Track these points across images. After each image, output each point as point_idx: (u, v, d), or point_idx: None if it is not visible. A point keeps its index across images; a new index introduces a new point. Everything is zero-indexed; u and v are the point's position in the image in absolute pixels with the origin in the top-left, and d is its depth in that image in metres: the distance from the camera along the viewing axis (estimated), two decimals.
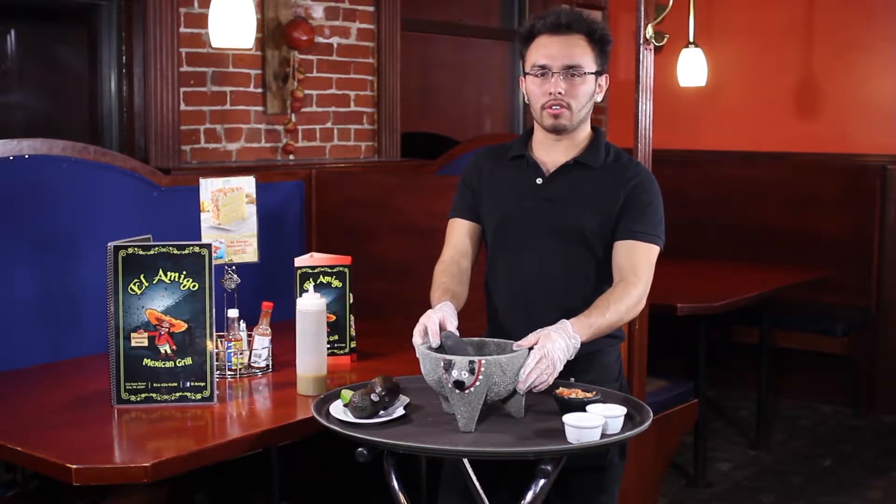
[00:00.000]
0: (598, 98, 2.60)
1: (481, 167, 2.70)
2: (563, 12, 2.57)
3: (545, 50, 2.53)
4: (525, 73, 2.59)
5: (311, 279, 3.07)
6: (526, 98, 2.60)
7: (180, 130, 3.95)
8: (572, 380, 2.47)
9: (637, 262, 2.51)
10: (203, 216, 3.09)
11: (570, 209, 2.54)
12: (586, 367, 2.53)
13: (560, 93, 2.50)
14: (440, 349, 2.30)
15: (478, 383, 2.17)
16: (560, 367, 2.30)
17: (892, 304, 5.40)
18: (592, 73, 2.54)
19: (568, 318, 2.39)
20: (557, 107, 2.52)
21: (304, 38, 4.25)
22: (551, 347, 2.28)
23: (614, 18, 6.28)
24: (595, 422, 2.14)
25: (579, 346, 2.35)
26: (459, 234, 2.69)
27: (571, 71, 2.51)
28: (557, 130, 2.56)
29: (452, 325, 2.37)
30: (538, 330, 2.33)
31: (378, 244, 3.77)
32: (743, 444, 5.00)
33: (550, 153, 2.60)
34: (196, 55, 4.00)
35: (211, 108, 4.07)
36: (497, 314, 2.65)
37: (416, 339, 2.34)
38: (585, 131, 2.61)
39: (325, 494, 3.91)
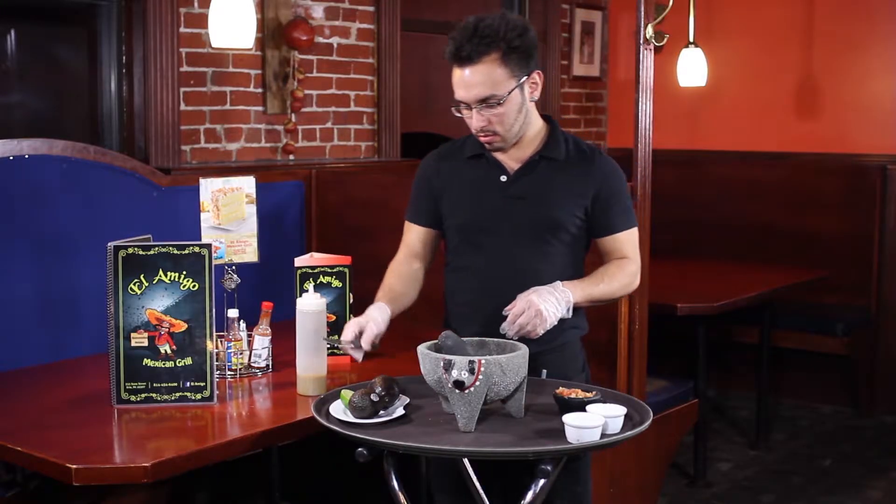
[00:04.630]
0: (535, 97, 2.55)
1: (439, 169, 2.68)
2: (466, 36, 2.43)
3: (458, 84, 2.48)
4: None
5: (311, 279, 3.07)
6: None
7: (180, 130, 3.95)
8: (544, 373, 2.53)
9: (626, 248, 2.61)
10: (203, 216, 3.09)
11: (541, 204, 2.55)
12: (555, 360, 2.57)
13: (483, 125, 2.49)
14: (440, 349, 2.30)
15: (478, 383, 2.17)
16: (551, 318, 2.38)
17: (892, 304, 5.39)
18: (512, 90, 2.46)
19: None
20: (487, 136, 2.52)
21: (304, 38, 4.25)
22: (537, 298, 2.37)
23: (614, 18, 6.28)
24: (595, 422, 2.14)
25: (572, 300, 2.43)
26: (414, 238, 2.73)
27: (487, 102, 2.46)
28: (497, 151, 2.58)
29: (371, 333, 2.48)
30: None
31: (378, 244, 3.76)
32: (743, 444, 5.00)
33: (511, 151, 2.59)
34: (196, 55, 4.00)
35: (211, 108, 4.07)
36: (461, 313, 2.64)
37: (348, 334, 2.49)
38: (536, 127, 2.59)
39: (325, 494, 3.91)
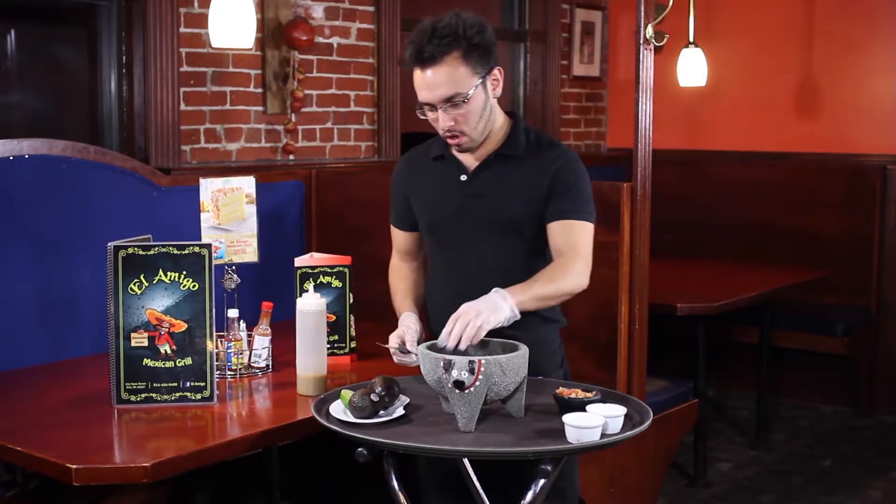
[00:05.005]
0: (497, 94, 2.56)
1: (407, 173, 2.74)
2: (425, 38, 2.45)
3: (420, 86, 2.49)
4: None
5: (311, 279, 3.08)
6: None
7: (180, 130, 3.95)
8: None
9: (574, 239, 2.54)
10: (203, 216, 3.09)
11: (496, 201, 2.56)
12: (530, 356, 2.55)
13: (450, 125, 2.50)
14: (441, 350, 2.31)
15: (478, 383, 2.17)
16: (489, 318, 2.34)
17: (892, 304, 5.39)
18: (476, 87, 2.47)
19: None
20: (454, 137, 2.53)
21: (304, 38, 4.25)
22: (468, 307, 2.35)
23: (614, 18, 6.28)
24: (595, 422, 2.14)
25: (508, 296, 2.39)
26: (400, 241, 2.81)
27: (452, 101, 2.47)
28: (464, 151, 2.58)
29: (411, 336, 2.52)
30: None
31: (378, 244, 3.76)
32: (743, 444, 5.00)
33: (473, 150, 2.60)
34: (196, 55, 4.00)
35: (211, 108, 4.07)
36: (437, 311, 2.68)
37: (393, 343, 2.52)
38: (499, 124, 2.60)
39: (325, 494, 3.91)
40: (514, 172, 2.57)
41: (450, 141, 2.54)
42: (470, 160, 2.61)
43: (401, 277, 2.80)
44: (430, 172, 2.67)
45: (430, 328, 2.70)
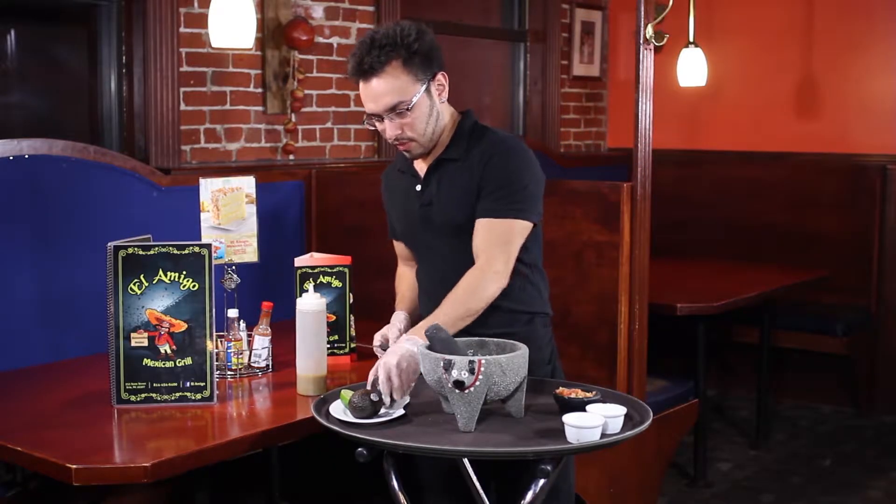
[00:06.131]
0: (444, 98, 2.55)
1: (386, 187, 2.80)
2: (364, 51, 2.46)
3: (365, 97, 2.50)
4: None
5: (311, 279, 3.08)
6: None
7: (180, 130, 3.95)
8: None
9: (490, 241, 2.48)
10: (203, 216, 3.09)
11: (441, 208, 2.57)
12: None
13: (398, 133, 2.50)
14: (430, 347, 2.30)
15: (477, 383, 2.17)
16: (404, 365, 2.31)
17: (892, 304, 5.39)
18: (421, 94, 2.47)
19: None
20: (403, 145, 2.54)
21: (304, 38, 4.25)
22: (384, 361, 2.32)
23: (614, 18, 6.27)
24: (595, 421, 2.14)
25: (416, 337, 2.37)
26: (400, 249, 2.85)
27: (396, 110, 2.47)
28: (416, 157, 2.59)
29: (393, 335, 2.57)
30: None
31: (378, 244, 3.76)
32: (743, 444, 5.00)
33: (426, 159, 2.62)
34: (196, 55, 4.00)
35: (211, 108, 4.07)
36: (424, 313, 2.69)
37: (376, 340, 2.58)
38: (447, 129, 2.59)
39: (325, 494, 3.91)
40: (456, 176, 2.56)
41: (400, 148, 2.56)
42: (422, 169, 2.62)
43: (401, 281, 2.85)
44: (397, 184, 2.71)
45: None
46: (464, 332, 2.46)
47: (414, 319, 2.67)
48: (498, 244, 2.48)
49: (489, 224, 2.49)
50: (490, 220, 2.49)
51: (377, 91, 2.46)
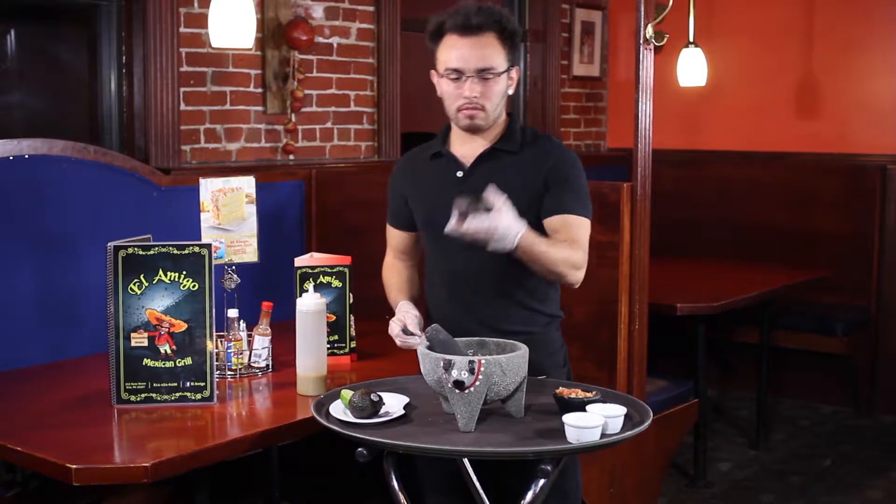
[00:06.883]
0: (510, 91, 2.63)
1: (405, 173, 2.77)
2: (472, 10, 2.54)
3: (457, 52, 2.54)
4: (438, 73, 2.60)
5: (311, 279, 3.08)
6: (440, 93, 2.63)
7: (180, 130, 3.95)
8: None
9: (575, 234, 2.53)
10: (203, 216, 3.09)
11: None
12: (531, 356, 2.55)
13: (475, 96, 2.53)
14: (430, 347, 2.30)
15: (477, 383, 2.17)
16: (495, 237, 2.31)
17: (892, 304, 5.39)
18: (504, 71, 2.56)
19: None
20: (472, 109, 2.55)
21: (304, 38, 4.25)
22: (490, 221, 2.31)
23: (614, 18, 6.27)
24: (595, 422, 2.14)
25: (521, 233, 2.36)
26: (397, 240, 2.84)
27: (484, 73, 2.53)
28: (473, 130, 2.60)
29: (412, 319, 2.53)
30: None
31: (378, 244, 3.75)
32: (743, 444, 5.00)
33: (468, 146, 2.63)
34: (196, 55, 4.00)
35: (211, 108, 4.07)
36: (436, 307, 2.70)
37: (395, 328, 2.52)
38: (500, 120, 2.64)
39: (325, 494, 3.91)
40: (510, 169, 2.58)
41: (466, 112, 2.55)
42: (467, 156, 2.62)
43: (395, 273, 2.82)
44: (428, 170, 2.69)
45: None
46: (485, 328, 2.49)
47: (420, 309, 2.65)
48: (582, 237, 2.55)
49: (568, 219, 2.54)
50: (568, 216, 2.54)
51: (474, 50, 2.52)
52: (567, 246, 2.50)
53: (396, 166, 2.82)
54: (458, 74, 2.53)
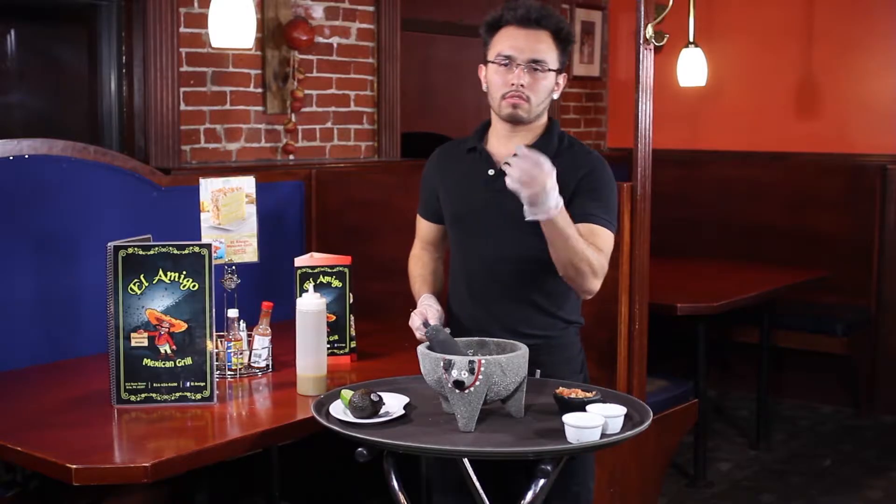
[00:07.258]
0: (556, 96, 2.64)
1: (439, 164, 2.77)
2: (533, 7, 2.58)
3: (512, 41, 2.56)
4: (487, 62, 2.62)
5: (311, 279, 3.07)
6: (485, 86, 2.64)
7: (180, 130, 3.95)
8: (537, 372, 2.50)
9: (601, 243, 2.53)
10: (203, 216, 3.09)
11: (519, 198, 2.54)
12: (551, 360, 2.58)
13: (522, 85, 2.55)
14: (430, 347, 2.30)
15: (477, 383, 2.17)
16: (546, 184, 2.30)
17: (892, 304, 5.39)
18: (554, 70, 2.58)
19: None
20: (517, 98, 2.56)
21: (304, 38, 4.25)
22: (541, 170, 2.30)
23: (614, 18, 6.28)
24: (595, 422, 2.14)
25: (561, 203, 2.36)
26: (425, 231, 2.83)
27: (535, 65, 2.55)
28: (514, 120, 2.60)
29: (434, 314, 2.53)
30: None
31: (378, 244, 3.77)
32: (743, 444, 5.00)
33: (505, 144, 2.62)
34: (196, 55, 4.00)
35: (211, 108, 4.07)
36: (456, 304, 2.69)
37: (416, 321, 2.51)
38: (541, 123, 2.65)
39: (325, 494, 3.91)
40: None
41: (510, 101, 2.56)
42: (502, 154, 2.61)
43: (421, 264, 2.81)
44: (462, 164, 2.70)
45: (451, 321, 2.67)
46: (503, 330, 2.50)
47: (440, 303, 2.65)
48: (606, 247, 2.54)
49: (594, 228, 2.53)
50: (595, 225, 2.53)
51: (530, 41, 2.55)
52: (595, 250, 2.50)
53: (431, 157, 2.82)
54: (508, 61, 2.55)
